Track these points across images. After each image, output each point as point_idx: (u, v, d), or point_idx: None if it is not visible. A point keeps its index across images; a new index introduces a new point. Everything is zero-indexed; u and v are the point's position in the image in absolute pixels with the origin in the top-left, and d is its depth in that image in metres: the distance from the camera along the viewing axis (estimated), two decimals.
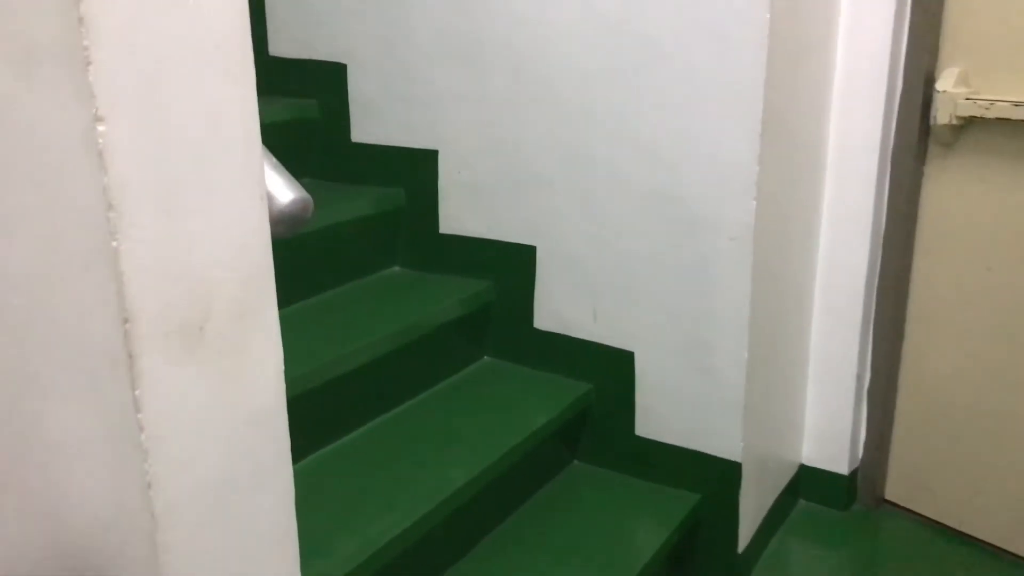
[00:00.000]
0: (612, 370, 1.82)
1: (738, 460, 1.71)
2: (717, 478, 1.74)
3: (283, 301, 1.74)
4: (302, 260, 1.80)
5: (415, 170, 1.95)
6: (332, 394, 1.58)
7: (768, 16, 1.48)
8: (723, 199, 1.61)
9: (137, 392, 0.66)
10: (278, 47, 2.06)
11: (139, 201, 0.64)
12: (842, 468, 2.04)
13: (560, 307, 1.86)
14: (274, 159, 0.85)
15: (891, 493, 2.09)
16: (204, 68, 0.67)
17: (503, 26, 1.77)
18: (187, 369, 0.70)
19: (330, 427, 1.61)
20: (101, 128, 0.61)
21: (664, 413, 1.78)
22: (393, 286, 1.94)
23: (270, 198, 0.82)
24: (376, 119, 1.97)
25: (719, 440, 1.73)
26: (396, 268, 2.02)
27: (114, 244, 0.63)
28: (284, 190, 0.83)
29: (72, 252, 0.64)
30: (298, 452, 1.55)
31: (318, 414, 1.57)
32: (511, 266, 1.90)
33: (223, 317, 0.72)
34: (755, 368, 1.71)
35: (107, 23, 0.60)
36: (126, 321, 0.65)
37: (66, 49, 0.60)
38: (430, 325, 1.80)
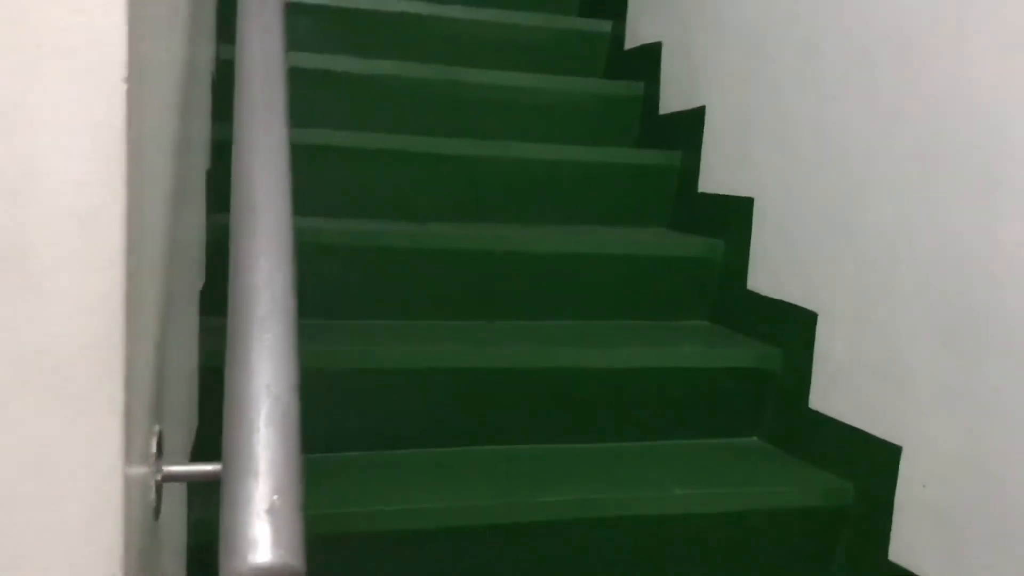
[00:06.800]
0: None
1: None
2: None
3: None
4: (709, 544, 1.46)
5: (873, 468, 1.44)
6: None
7: None
8: None
9: None
10: (756, 282, 1.78)
11: None
12: None
13: None
14: (288, 493, 0.59)
15: None
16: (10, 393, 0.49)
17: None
18: None
19: None
20: None
21: None
22: None
23: (233, 554, 0.56)
24: (839, 389, 1.53)
25: None
26: None
27: None
28: (259, 546, 0.55)
29: None
30: None
31: None
32: None
33: None
34: None
35: None
36: None
37: None
38: None
